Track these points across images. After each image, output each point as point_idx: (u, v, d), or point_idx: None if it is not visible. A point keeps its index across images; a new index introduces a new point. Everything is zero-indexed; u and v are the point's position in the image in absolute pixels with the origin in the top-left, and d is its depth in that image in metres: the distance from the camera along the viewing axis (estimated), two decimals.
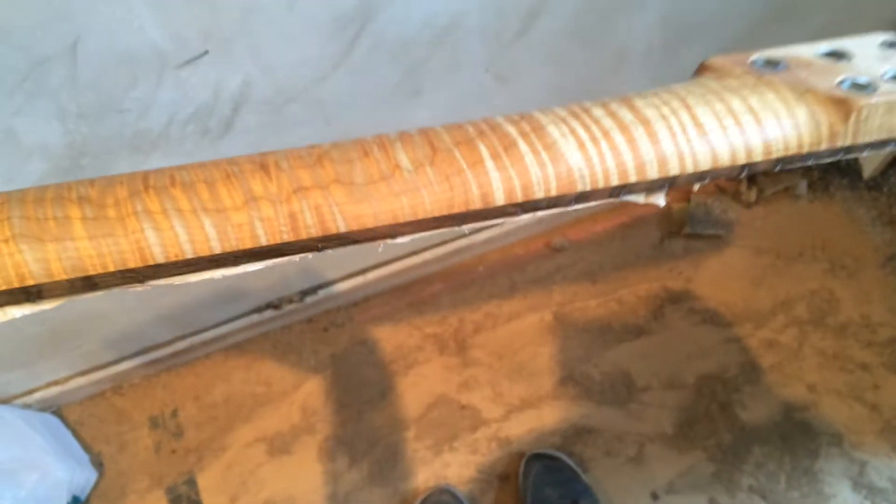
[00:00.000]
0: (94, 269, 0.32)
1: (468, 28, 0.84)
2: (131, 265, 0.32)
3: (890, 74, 0.41)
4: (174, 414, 1.46)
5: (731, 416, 1.39)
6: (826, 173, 1.62)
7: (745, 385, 1.41)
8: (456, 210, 0.37)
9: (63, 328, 1.18)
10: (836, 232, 1.56)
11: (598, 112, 0.39)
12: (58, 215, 0.31)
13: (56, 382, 1.38)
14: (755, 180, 1.60)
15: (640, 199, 0.41)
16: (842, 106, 0.39)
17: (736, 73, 0.42)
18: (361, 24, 0.77)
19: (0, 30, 0.60)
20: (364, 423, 1.43)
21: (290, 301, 1.43)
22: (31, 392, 1.36)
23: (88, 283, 0.33)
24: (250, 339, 1.52)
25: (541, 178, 0.37)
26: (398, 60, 0.85)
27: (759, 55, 0.43)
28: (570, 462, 1.33)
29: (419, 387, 1.46)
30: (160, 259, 0.33)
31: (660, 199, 0.42)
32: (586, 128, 0.38)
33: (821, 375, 1.41)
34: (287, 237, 0.35)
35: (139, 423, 1.46)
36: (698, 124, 0.38)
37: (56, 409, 1.45)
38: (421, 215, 0.36)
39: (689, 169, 0.38)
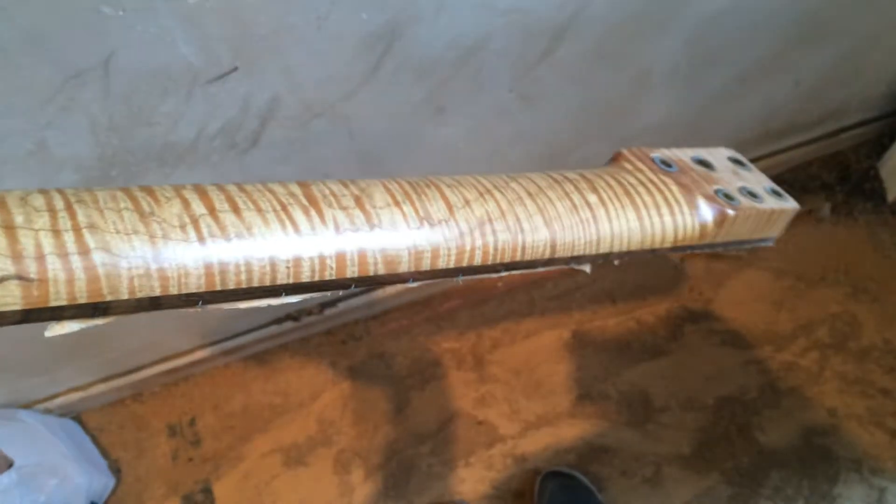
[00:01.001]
0: (162, 290, 0.32)
1: (493, 49, 0.85)
2: (194, 290, 0.32)
3: (746, 190, 0.50)
4: (192, 422, 1.47)
5: (750, 439, 1.38)
6: (850, 197, 1.61)
7: (764, 408, 1.40)
8: (464, 264, 0.40)
9: (86, 336, 1.20)
10: (859, 255, 1.55)
11: (567, 187, 0.44)
12: (127, 230, 0.31)
13: (77, 388, 1.39)
14: None
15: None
16: (718, 214, 0.46)
17: (639, 167, 0.48)
18: (388, 43, 0.78)
19: (36, 44, 0.61)
20: (380, 436, 1.43)
21: (310, 313, 1.44)
22: (52, 397, 1.38)
23: (154, 303, 0.32)
24: (269, 349, 1.53)
25: (532, 242, 0.42)
26: (423, 79, 0.86)
27: (658, 154, 0.50)
28: (586, 481, 1.32)
29: (436, 401, 1.46)
30: (223, 286, 0.33)
31: (586, 268, 0.47)
32: (563, 198, 0.43)
33: (841, 400, 1.40)
34: (333, 275, 0.36)
35: (157, 430, 1.47)
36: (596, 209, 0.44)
37: (76, 415, 1.47)
38: (438, 266, 0.39)
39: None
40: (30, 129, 0.70)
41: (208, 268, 0.32)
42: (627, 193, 0.45)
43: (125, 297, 0.31)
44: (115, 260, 0.30)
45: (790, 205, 0.51)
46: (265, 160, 0.88)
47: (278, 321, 1.44)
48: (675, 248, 0.47)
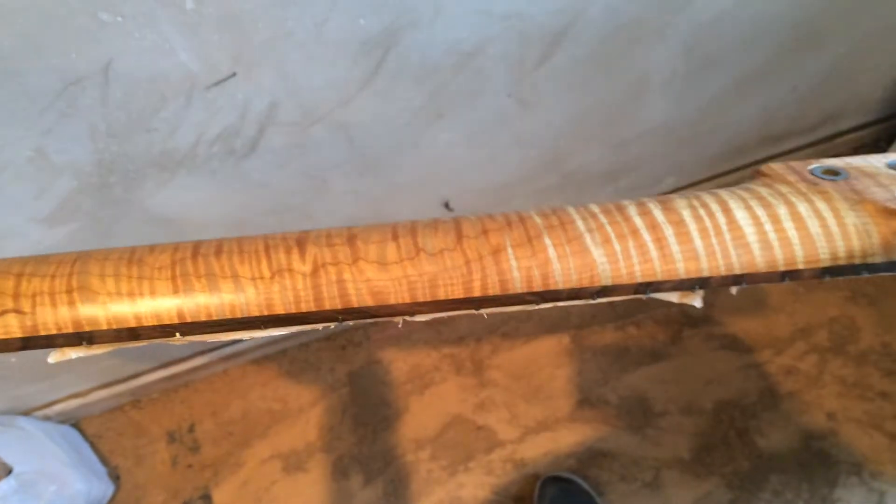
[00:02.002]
0: (136, 322, 0.37)
1: (491, 54, 0.85)
2: (167, 321, 0.37)
3: None
4: (191, 429, 1.47)
5: (749, 443, 1.38)
6: None
7: (763, 412, 1.40)
8: (474, 294, 0.38)
9: None
10: None
11: (631, 210, 0.39)
12: (115, 273, 0.37)
13: (76, 395, 1.39)
14: None
15: (672, 297, 0.41)
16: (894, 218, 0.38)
17: (789, 180, 0.41)
18: (386, 49, 0.78)
19: (35, 51, 0.62)
20: (379, 441, 1.43)
21: None
22: (51, 404, 1.38)
23: (132, 334, 0.37)
24: (268, 355, 1.53)
25: (561, 269, 0.38)
26: (422, 84, 0.86)
27: (817, 164, 0.43)
28: (586, 486, 1.32)
29: (435, 407, 1.46)
30: (193, 318, 0.37)
31: (696, 300, 0.41)
32: (615, 224, 0.38)
33: (840, 403, 1.40)
34: (310, 307, 0.37)
35: (157, 437, 1.47)
36: (735, 227, 0.38)
37: (75, 422, 1.46)
38: (439, 296, 0.38)
39: (722, 272, 0.38)
40: (29, 135, 0.70)
41: (178, 304, 0.37)
42: (794, 216, 0.38)
43: (103, 327, 0.37)
44: (94, 296, 0.36)
45: None
46: (264, 166, 0.89)
47: None
48: (843, 269, 0.39)
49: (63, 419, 1.43)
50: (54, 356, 0.38)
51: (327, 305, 0.37)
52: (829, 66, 1.25)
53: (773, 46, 1.11)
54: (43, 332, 0.37)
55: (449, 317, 0.40)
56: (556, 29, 0.86)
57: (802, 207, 0.39)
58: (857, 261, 0.39)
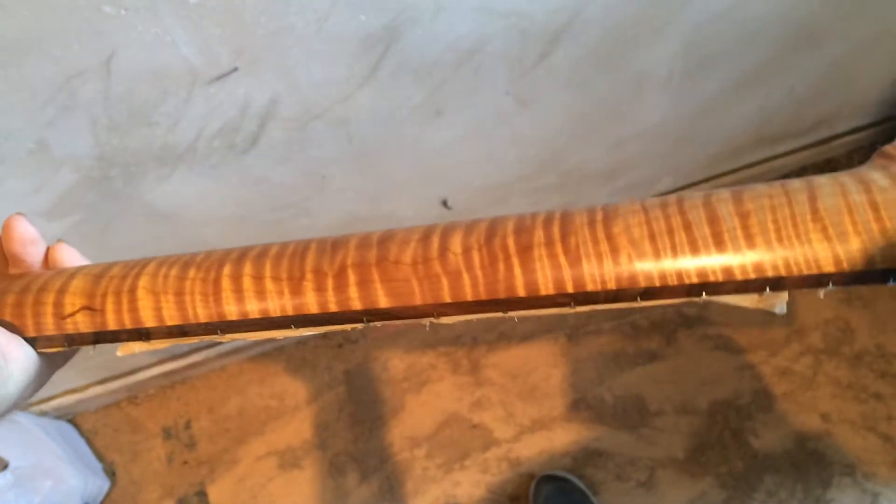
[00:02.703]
0: (185, 320, 0.40)
1: (491, 52, 0.86)
2: (213, 320, 0.40)
3: None
4: (188, 425, 1.47)
5: (744, 444, 1.38)
6: None
7: (758, 412, 1.41)
8: (500, 296, 0.36)
9: None
10: None
11: (690, 202, 0.35)
12: (177, 274, 0.42)
13: (73, 391, 1.39)
14: None
15: (744, 302, 0.34)
16: None
17: None
18: (387, 46, 0.78)
19: (37, 43, 0.62)
20: (375, 439, 1.43)
21: None
22: (48, 399, 1.38)
23: (181, 332, 0.41)
24: (265, 353, 1.53)
25: (596, 270, 0.34)
26: (421, 81, 0.86)
27: None
28: (581, 485, 1.33)
29: (431, 405, 1.46)
30: (232, 317, 0.40)
31: (778, 306, 0.34)
32: (666, 219, 0.34)
33: (834, 405, 1.40)
34: (336, 308, 0.38)
35: (153, 433, 1.47)
36: (817, 219, 0.32)
37: (71, 417, 1.46)
38: (465, 297, 0.37)
39: (797, 271, 0.32)
40: (30, 128, 0.70)
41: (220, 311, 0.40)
42: (829, 195, 0.33)
43: (156, 324, 0.41)
44: (153, 297, 0.41)
45: None
46: (264, 161, 0.89)
47: None
48: None
49: (59, 414, 1.43)
50: (122, 350, 0.43)
51: (353, 307, 0.37)
52: (827, 68, 1.26)
53: (770, 47, 1.11)
54: (111, 328, 0.41)
55: (479, 319, 0.38)
56: (555, 27, 0.87)
57: None
58: None
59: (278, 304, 0.39)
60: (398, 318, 0.38)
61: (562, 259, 0.35)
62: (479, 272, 0.36)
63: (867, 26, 1.19)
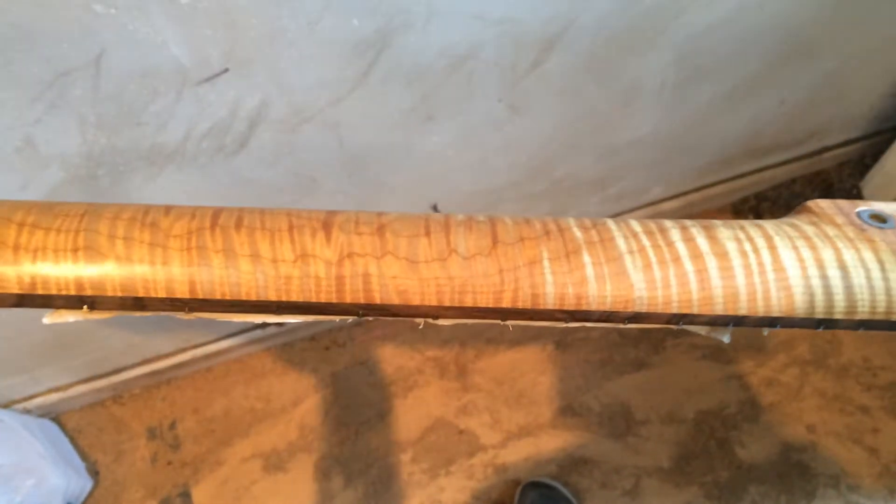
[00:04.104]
0: (144, 292, 0.34)
1: (483, 58, 0.86)
2: (178, 295, 0.34)
3: None
4: (172, 426, 1.46)
5: (729, 454, 1.38)
6: None
7: (744, 423, 1.41)
8: (503, 305, 0.37)
9: (68, 335, 1.19)
10: None
11: (674, 234, 0.38)
12: (126, 236, 0.34)
13: (57, 389, 1.38)
14: (762, 217, 1.61)
15: (701, 330, 0.40)
16: None
17: (836, 221, 0.40)
18: (379, 50, 0.78)
19: (26, 40, 0.61)
20: (361, 443, 1.43)
21: None
22: (31, 398, 1.36)
23: (138, 303, 0.35)
24: (252, 354, 1.52)
25: (597, 290, 0.36)
26: (413, 87, 0.86)
27: (866, 207, 0.41)
28: (566, 492, 1.33)
29: (418, 410, 1.46)
30: (206, 295, 0.35)
31: (724, 336, 0.41)
32: (657, 248, 0.37)
33: (820, 416, 1.41)
34: (331, 298, 0.36)
35: (137, 433, 1.46)
36: (779, 268, 0.37)
37: (55, 416, 1.45)
38: (466, 303, 0.36)
39: (760, 312, 0.37)
40: (18, 125, 0.70)
41: (192, 278, 0.34)
42: (786, 247, 0.38)
43: (108, 293, 0.34)
44: (101, 259, 0.33)
45: None
46: (253, 163, 0.89)
47: (262, 325, 1.43)
48: (881, 323, 0.38)
49: (43, 413, 1.42)
50: (50, 317, 0.36)
51: (349, 299, 0.36)
52: (818, 82, 1.26)
53: (762, 60, 1.12)
54: (41, 291, 0.34)
55: (473, 324, 0.38)
56: (548, 35, 0.87)
57: (849, 255, 0.37)
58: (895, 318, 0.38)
59: (265, 285, 0.35)
60: (396, 315, 0.38)
61: (568, 277, 0.36)
62: (485, 281, 0.36)
63: (859, 41, 1.20)
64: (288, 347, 1.54)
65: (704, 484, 1.36)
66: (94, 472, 1.41)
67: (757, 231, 0.38)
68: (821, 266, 0.37)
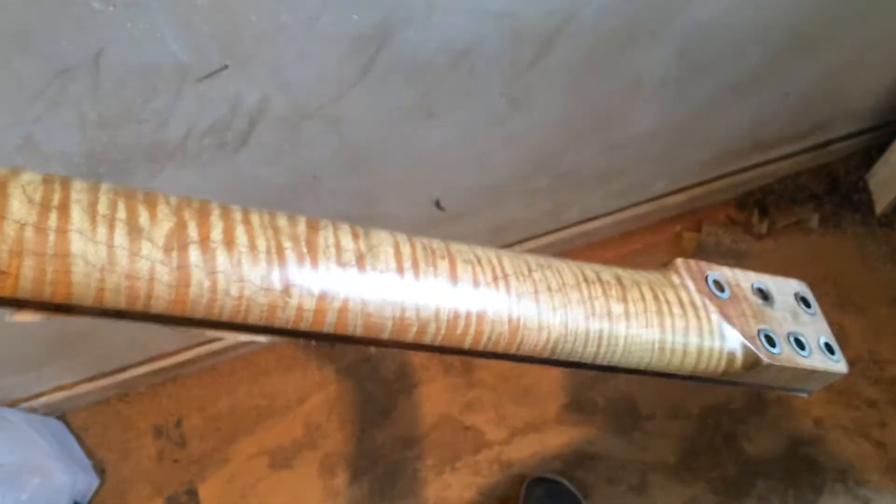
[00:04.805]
0: (128, 305, 0.31)
1: (484, 53, 0.85)
2: (161, 312, 0.32)
3: (795, 338, 0.44)
4: (178, 423, 1.46)
5: (736, 449, 1.38)
6: (838, 208, 1.62)
7: (750, 417, 1.41)
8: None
9: (72, 334, 1.19)
10: (847, 267, 1.56)
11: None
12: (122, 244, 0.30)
13: (62, 387, 1.38)
14: (767, 212, 1.60)
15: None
16: (750, 356, 0.42)
17: (686, 285, 0.43)
18: (379, 46, 0.78)
19: (26, 38, 0.61)
20: (366, 440, 1.43)
21: None
22: (37, 396, 1.37)
23: (119, 315, 0.33)
24: (256, 351, 1.52)
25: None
26: (414, 82, 0.86)
27: (715, 274, 0.45)
28: (572, 487, 1.33)
29: (423, 406, 1.46)
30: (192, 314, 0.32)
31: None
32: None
33: (827, 410, 1.40)
34: (305, 327, 0.34)
35: (143, 431, 1.46)
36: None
37: (61, 415, 1.46)
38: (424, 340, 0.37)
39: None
40: (18, 123, 0.70)
41: (181, 293, 0.31)
42: (659, 312, 0.41)
43: (90, 304, 0.31)
44: (89, 269, 0.29)
45: (837, 368, 0.46)
46: (255, 160, 0.88)
47: None
48: (692, 378, 0.44)
49: (49, 411, 1.42)
50: (18, 316, 0.32)
51: (321, 329, 0.34)
52: (822, 74, 1.25)
53: (766, 53, 1.11)
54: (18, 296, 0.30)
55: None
56: (549, 29, 0.86)
57: (684, 323, 0.41)
58: (698, 374, 0.43)
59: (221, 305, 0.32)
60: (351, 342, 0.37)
61: (514, 326, 0.38)
62: (443, 320, 0.36)
63: (862, 33, 1.19)
64: (292, 345, 1.54)
65: (711, 479, 1.35)
66: (100, 470, 1.42)
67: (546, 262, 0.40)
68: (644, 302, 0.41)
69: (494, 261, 0.38)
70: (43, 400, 1.38)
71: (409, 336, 0.35)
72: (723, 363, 0.42)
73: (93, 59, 0.66)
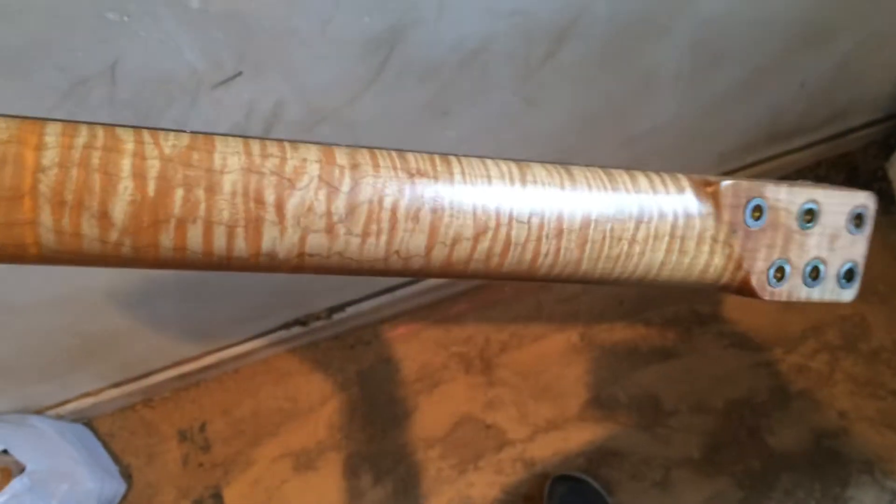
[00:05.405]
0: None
1: (496, 51, 0.85)
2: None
3: (812, 265, 0.40)
4: (202, 428, 1.48)
5: (760, 442, 1.37)
6: None
7: (774, 410, 1.40)
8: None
9: (97, 341, 1.21)
10: (869, 257, 1.53)
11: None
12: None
13: (88, 394, 1.40)
14: None
15: None
16: (748, 290, 0.39)
17: (722, 216, 0.39)
18: (391, 47, 0.78)
19: (41, 50, 0.62)
20: (389, 440, 1.43)
21: (318, 318, 1.45)
22: (63, 403, 1.39)
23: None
24: (278, 355, 1.53)
25: None
26: (427, 82, 0.86)
27: (759, 199, 0.39)
28: (596, 485, 1.32)
29: (444, 405, 1.46)
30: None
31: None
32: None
33: (852, 402, 1.39)
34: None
35: (168, 436, 1.48)
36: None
37: (87, 421, 1.48)
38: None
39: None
40: None
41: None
42: (669, 251, 0.37)
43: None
44: None
45: (841, 297, 0.43)
46: None
47: (286, 326, 1.44)
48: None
49: (75, 418, 1.44)
50: None
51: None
52: (838, 63, 1.24)
53: (781, 42, 1.10)
54: None
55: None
56: (561, 25, 0.86)
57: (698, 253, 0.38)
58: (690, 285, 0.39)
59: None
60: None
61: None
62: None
63: (879, 20, 1.17)
64: (313, 347, 1.55)
65: (735, 473, 1.35)
66: (126, 476, 1.43)
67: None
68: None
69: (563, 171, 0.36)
70: (69, 407, 1.39)
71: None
72: (717, 286, 0.39)
73: (109, 70, 0.66)
